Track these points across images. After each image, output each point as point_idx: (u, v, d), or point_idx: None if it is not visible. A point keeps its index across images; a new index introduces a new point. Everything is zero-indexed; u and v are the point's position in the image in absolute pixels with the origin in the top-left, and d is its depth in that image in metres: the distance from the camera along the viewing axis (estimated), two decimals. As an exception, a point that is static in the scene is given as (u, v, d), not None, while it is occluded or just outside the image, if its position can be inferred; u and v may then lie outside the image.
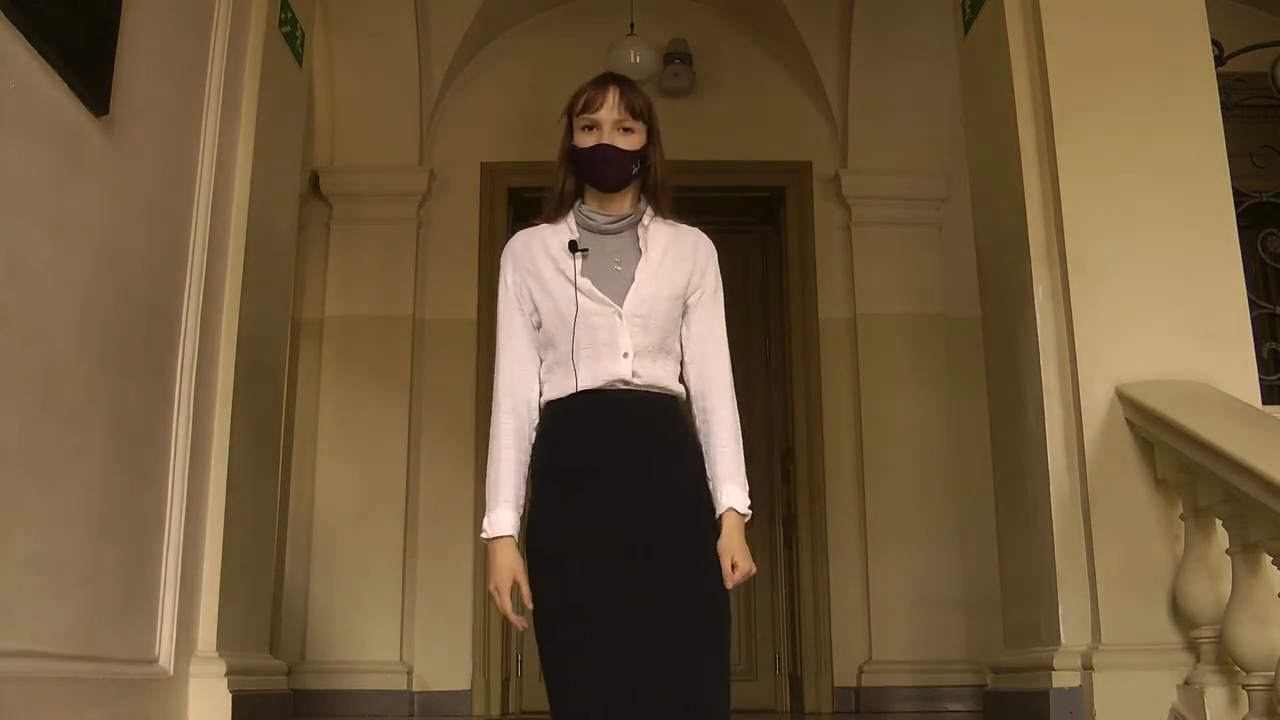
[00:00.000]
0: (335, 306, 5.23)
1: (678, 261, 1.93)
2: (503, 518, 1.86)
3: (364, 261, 5.26)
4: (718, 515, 1.87)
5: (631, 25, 5.17)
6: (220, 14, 3.24)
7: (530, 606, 1.81)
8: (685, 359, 1.95)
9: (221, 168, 3.23)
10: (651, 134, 1.95)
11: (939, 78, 4.98)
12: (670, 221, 1.98)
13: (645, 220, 1.95)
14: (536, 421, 1.93)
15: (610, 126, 1.89)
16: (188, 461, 2.99)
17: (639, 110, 1.92)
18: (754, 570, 1.84)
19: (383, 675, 4.79)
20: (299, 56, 3.84)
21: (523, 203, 5.50)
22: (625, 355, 1.85)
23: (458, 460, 5.14)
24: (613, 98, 1.90)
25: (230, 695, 3.00)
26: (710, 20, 5.69)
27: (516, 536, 1.86)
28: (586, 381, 1.85)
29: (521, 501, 1.89)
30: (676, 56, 5.45)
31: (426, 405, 5.19)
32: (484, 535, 1.87)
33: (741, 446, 1.92)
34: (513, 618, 1.82)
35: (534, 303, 1.93)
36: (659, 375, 1.89)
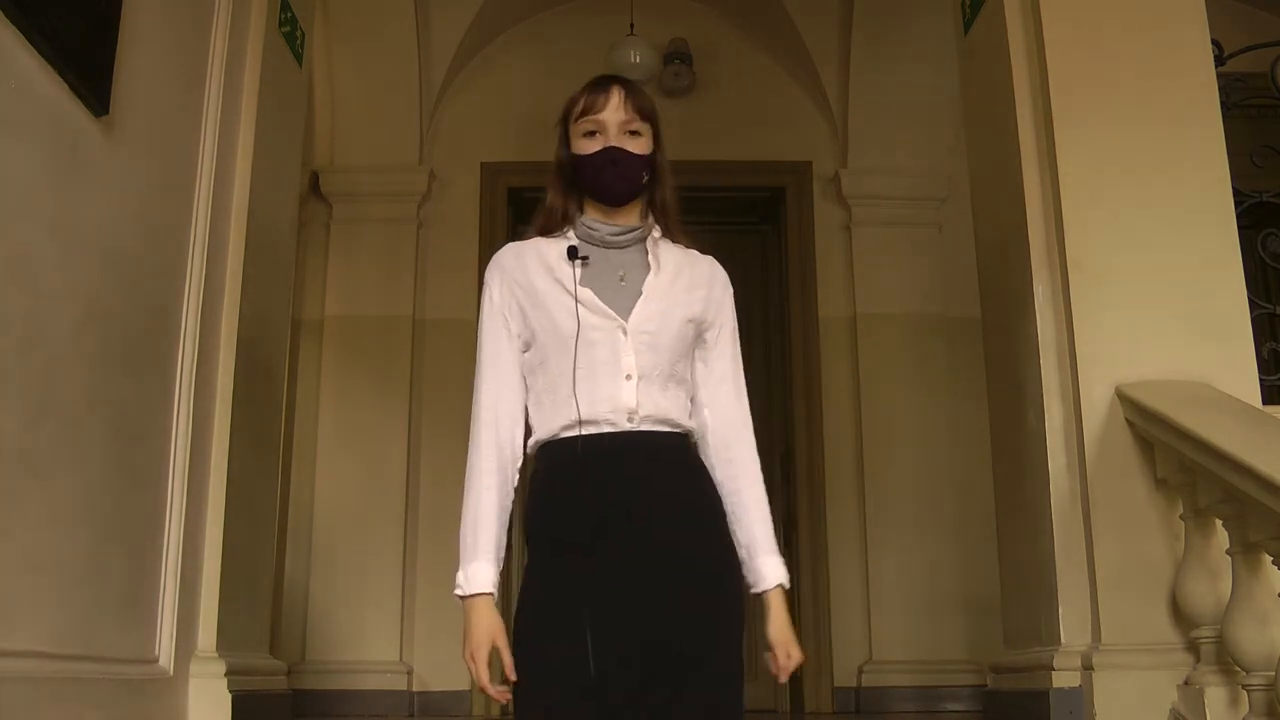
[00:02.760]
0: (335, 306, 5.23)
1: (692, 285, 1.72)
2: (480, 572, 1.59)
3: (364, 261, 5.26)
4: (757, 591, 1.65)
5: (631, 25, 5.17)
6: (220, 14, 3.24)
7: (513, 679, 1.56)
8: (701, 399, 1.71)
9: (221, 168, 3.23)
10: (658, 140, 1.73)
11: (939, 77, 4.98)
12: (682, 246, 1.76)
13: (655, 234, 1.74)
14: (520, 461, 1.69)
15: (616, 129, 1.68)
16: (187, 461, 2.99)
17: (646, 111, 1.71)
18: (804, 659, 1.65)
19: (383, 675, 4.79)
20: (299, 56, 3.84)
21: (523, 203, 5.49)
22: (628, 378, 1.61)
23: (458, 460, 5.05)
24: (617, 98, 1.68)
25: (230, 695, 3.00)
26: (710, 20, 5.69)
27: (496, 594, 1.61)
28: (583, 411, 1.60)
29: (503, 554, 1.63)
30: (676, 56, 5.45)
31: (426, 405, 5.19)
32: (457, 592, 1.60)
33: (767, 502, 1.70)
34: (490, 690, 1.55)
35: (524, 320, 1.69)
36: (666, 407, 1.64)
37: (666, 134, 1.79)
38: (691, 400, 1.71)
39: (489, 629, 1.58)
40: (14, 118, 2.23)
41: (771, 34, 5.63)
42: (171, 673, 2.88)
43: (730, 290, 1.79)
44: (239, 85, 3.37)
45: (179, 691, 2.93)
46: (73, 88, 2.43)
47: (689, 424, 1.68)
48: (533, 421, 1.68)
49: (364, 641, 4.84)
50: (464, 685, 4.93)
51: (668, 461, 1.64)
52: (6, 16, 2.17)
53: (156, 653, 2.85)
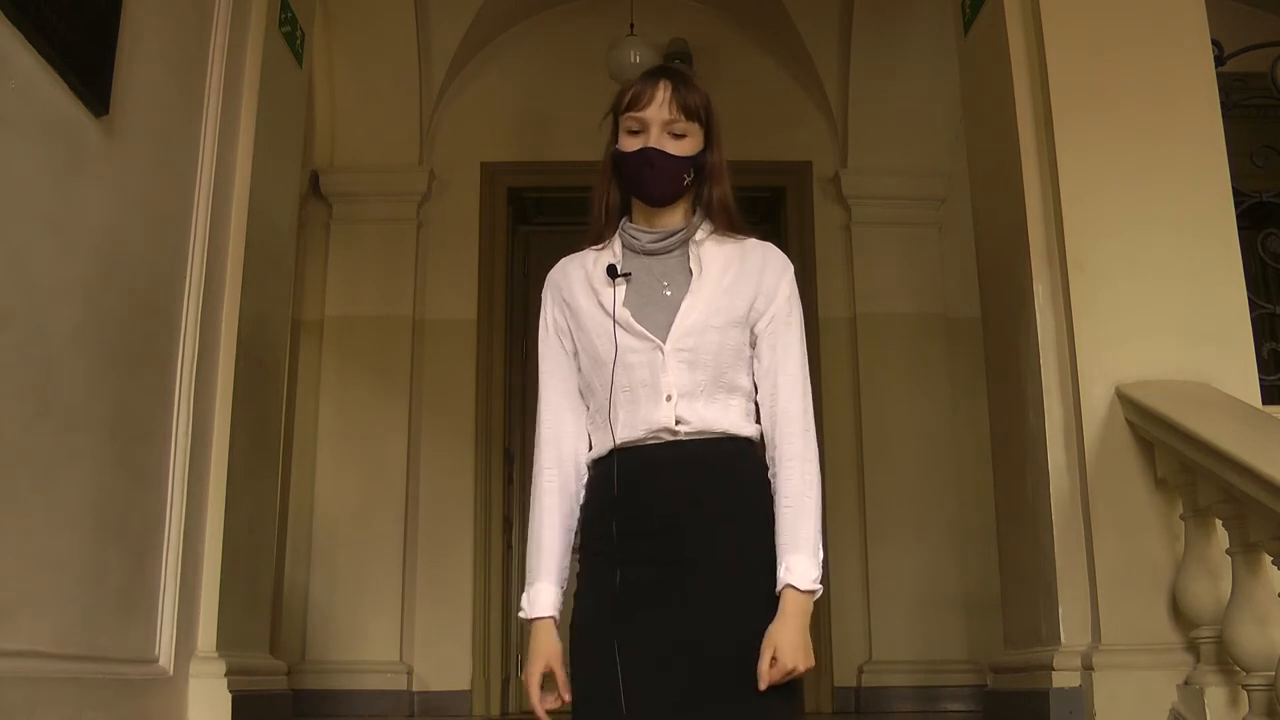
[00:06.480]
0: (335, 306, 5.24)
1: (739, 282, 1.64)
2: (543, 595, 1.59)
3: (364, 261, 5.26)
4: (776, 591, 1.54)
5: (631, 25, 5.17)
6: (220, 14, 3.24)
7: (567, 699, 1.56)
8: (758, 399, 1.64)
9: (221, 168, 3.23)
10: (710, 137, 1.69)
11: (939, 78, 4.98)
12: (736, 237, 1.69)
13: (698, 235, 1.67)
14: (584, 477, 1.67)
15: (659, 128, 1.62)
16: (187, 461, 2.99)
17: (694, 109, 1.64)
18: (800, 669, 1.50)
19: (383, 675, 4.79)
20: (299, 56, 3.84)
21: (523, 203, 5.50)
22: (668, 399, 1.57)
23: (458, 460, 5.15)
24: (663, 94, 1.62)
25: (230, 695, 3.00)
26: (710, 20, 5.69)
27: (558, 616, 1.60)
28: (625, 433, 1.58)
29: (566, 574, 1.64)
30: (676, 56, 5.44)
31: (426, 405, 5.20)
32: (521, 615, 1.61)
33: (815, 501, 1.57)
34: (541, 712, 1.54)
35: (574, 339, 1.67)
36: (715, 418, 1.58)
37: None
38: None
39: (546, 653, 1.58)
40: (14, 118, 2.23)
41: (771, 34, 5.63)
42: (171, 673, 2.88)
43: (787, 272, 1.71)
44: (239, 85, 3.37)
45: (179, 691, 2.93)
46: (73, 88, 2.43)
47: (742, 430, 1.62)
48: (590, 442, 1.68)
49: (364, 641, 4.84)
50: (464, 685, 4.94)
51: (710, 471, 1.59)
52: (6, 16, 2.17)
53: (156, 653, 2.85)
